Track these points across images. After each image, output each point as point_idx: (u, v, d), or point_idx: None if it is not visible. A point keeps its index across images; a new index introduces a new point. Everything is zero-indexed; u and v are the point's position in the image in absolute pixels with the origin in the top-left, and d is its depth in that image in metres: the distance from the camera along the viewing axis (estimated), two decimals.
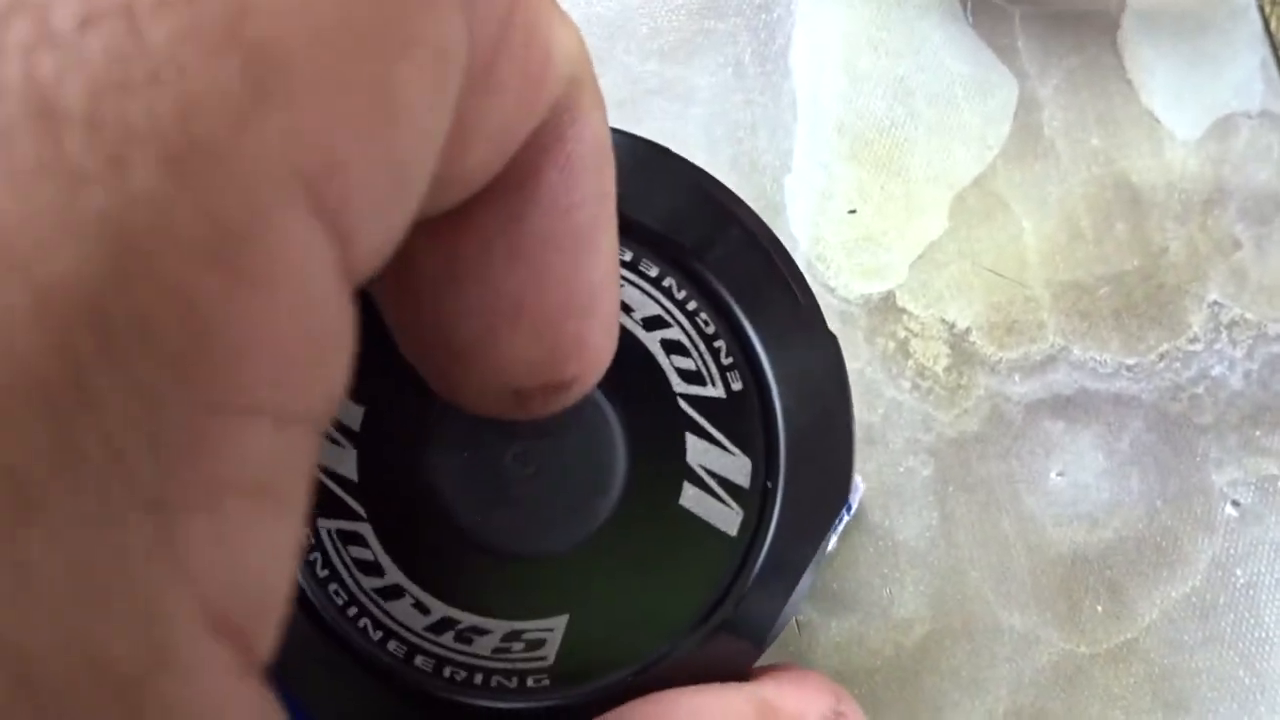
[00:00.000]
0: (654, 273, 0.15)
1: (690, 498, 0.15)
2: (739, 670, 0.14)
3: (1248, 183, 0.25)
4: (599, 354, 0.11)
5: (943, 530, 0.23)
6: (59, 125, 0.06)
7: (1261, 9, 0.27)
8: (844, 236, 0.24)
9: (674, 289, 0.15)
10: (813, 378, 0.15)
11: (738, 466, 0.15)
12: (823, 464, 0.15)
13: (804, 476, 0.15)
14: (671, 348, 0.15)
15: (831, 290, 0.24)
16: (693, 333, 0.15)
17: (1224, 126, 0.26)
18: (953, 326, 0.24)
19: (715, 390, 0.15)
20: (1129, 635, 0.22)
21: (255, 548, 0.07)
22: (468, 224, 0.10)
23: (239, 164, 0.06)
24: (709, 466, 0.15)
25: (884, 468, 0.23)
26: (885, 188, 0.25)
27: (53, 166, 0.06)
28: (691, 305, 0.15)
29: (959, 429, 0.23)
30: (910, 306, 0.24)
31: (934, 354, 0.24)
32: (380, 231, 0.07)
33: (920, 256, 0.25)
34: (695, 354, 0.15)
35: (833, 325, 0.23)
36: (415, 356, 0.11)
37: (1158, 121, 0.26)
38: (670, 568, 0.15)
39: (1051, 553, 0.23)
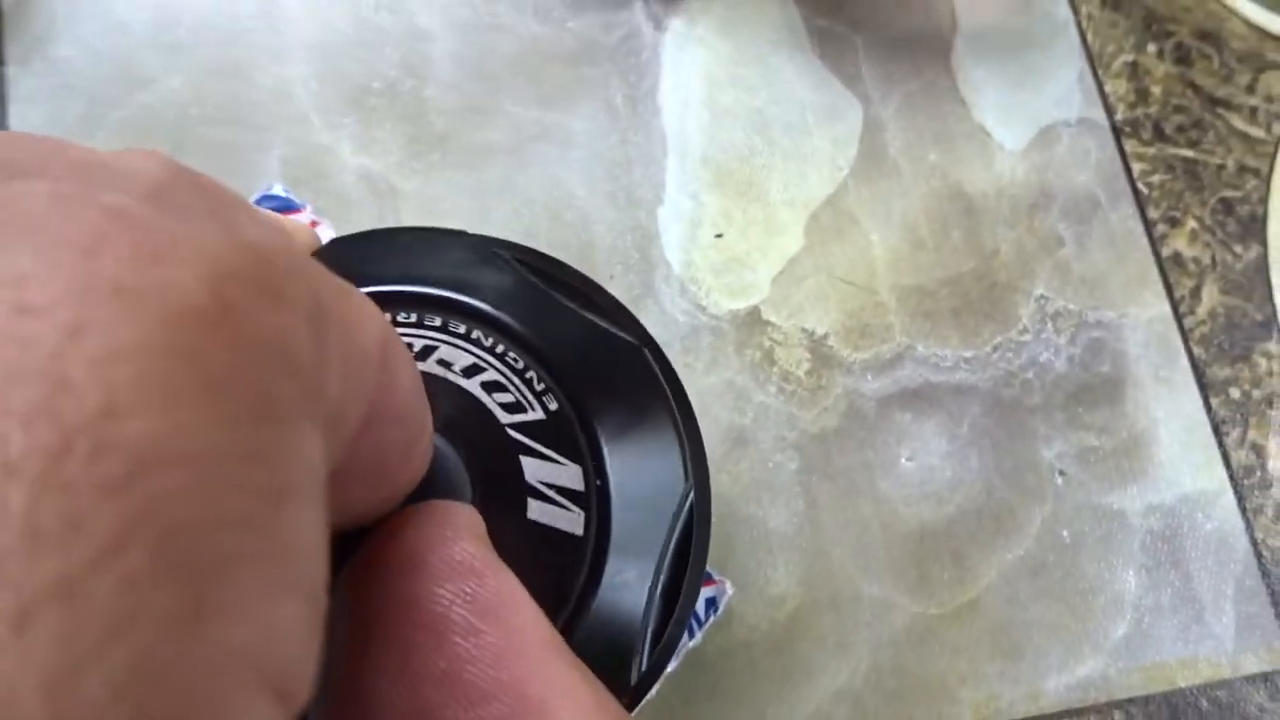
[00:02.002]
0: (462, 329, 0.17)
1: (535, 510, 0.16)
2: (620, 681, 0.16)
3: (1069, 185, 0.28)
4: (429, 440, 0.13)
5: (809, 516, 0.26)
6: None
7: (1079, 25, 0.30)
8: (712, 260, 0.27)
9: (481, 338, 0.17)
10: (621, 377, 0.17)
11: (569, 474, 0.17)
12: (649, 453, 0.17)
13: (630, 469, 0.17)
14: (491, 387, 0.17)
15: (703, 309, 0.27)
16: (505, 370, 0.17)
17: (1047, 135, 0.29)
18: (812, 334, 0.27)
19: (536, 414, 0.17)
20: (971, 595, 0.25)
21: None
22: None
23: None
24: (545, 480, 0.17)
25: (755, 464, 0.26)
26: (747, 212, 0.28)
27: None
28: (499, 348, 0.17)
29: (820, 425, 0.26)
30: (774, 318, 0.27)
31: (796, 360, 0.27)
32: (309, 671, 0.08)
33: (781, 272, 0.27)
34: (512, 388, 0.17)
35: (704, 340, 0.26)
36: None
37: (988, 135, 0.29)
38: (530, 574, 0.17)
39: (903, 529, 0.26)
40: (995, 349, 0.27)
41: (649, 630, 0.16)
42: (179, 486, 0.07)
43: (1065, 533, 0.26)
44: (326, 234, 0.25)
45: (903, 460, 0.26)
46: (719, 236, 0.27)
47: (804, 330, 0.27)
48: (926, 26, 0.29)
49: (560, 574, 0.16)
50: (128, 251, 0.07)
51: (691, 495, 0.17)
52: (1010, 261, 0.28)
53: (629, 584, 0.16)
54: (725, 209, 0.28)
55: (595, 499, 0.17)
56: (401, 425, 0.11)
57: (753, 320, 0.27)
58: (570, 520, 0.16)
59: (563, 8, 0.29)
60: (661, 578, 0.17)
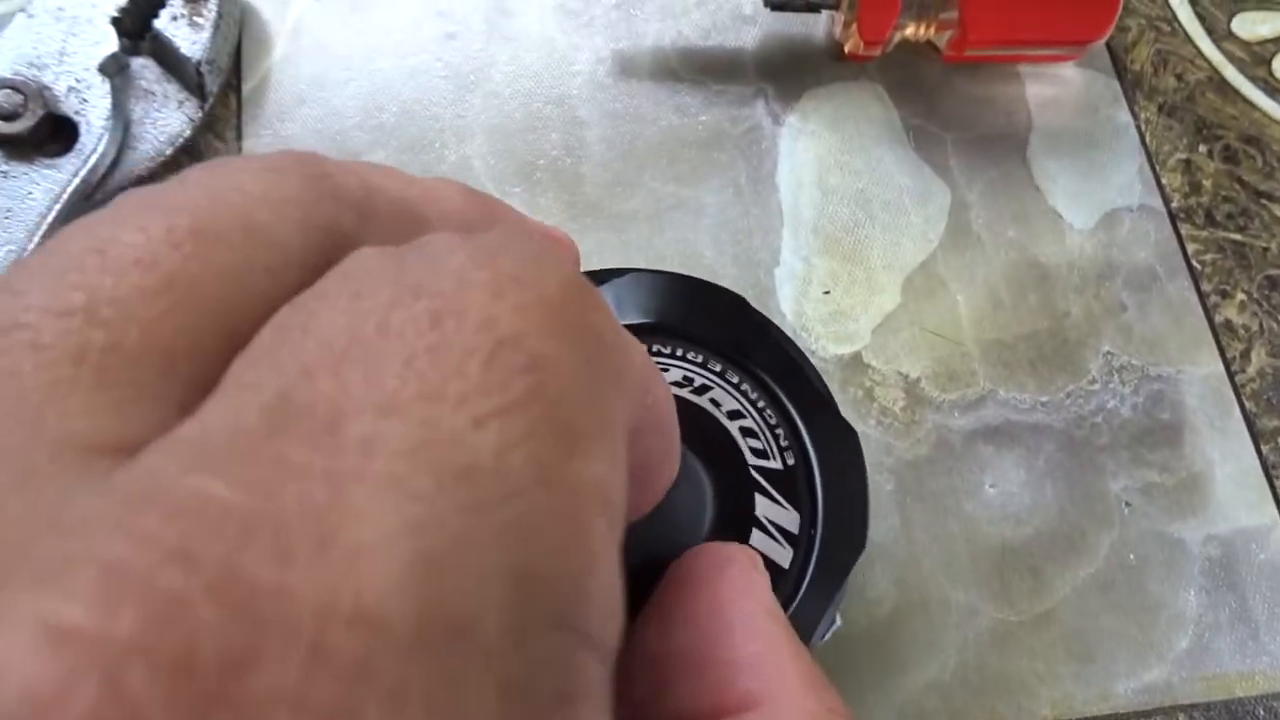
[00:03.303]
0: (735, 379, 0.21)
1: (756, 540, 0.20)
2: None
3: (1131, 260, 0.33)
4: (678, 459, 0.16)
5: (904, 531, 0.30)
6: None
7: (1138, 128, 0.35)
8: (821, 312, 0.32)
9: (749, 391, 0.21)
10: (840, 457, 0.21)
11: (790, 519, 0.20)
12: (847, 518, 0.21)
13: (833, 526, 0.21)
14: (746, 432, 0.21)
15: (813, 353, 0.31)
16: (760, 422, 0.21)
17: (1111, 218, 0.33)
18: (907, 377, 0.31)
19: (775, 464, 0.21)
20: (1048, 606, 0.29)
21: None
22: None
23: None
24: (770, 518, 0.20)
25: None
26: (851, 274, 0.32)
27: None
28: (761, 403, 0.21)
29: (914, 454, 0.30)
30: (874, 363, 0.31)
31: (893, 398, 0.31)
32: (622, 500, 0.10)
33: (880, 325, 0.32)
34: (762, 437, 0.21)
35: None
36: None
37: (1060, 216, 0.33)
38: None
39: (986, 545, 0.29)
40: (1068, 395, 0.31)
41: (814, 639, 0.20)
42: (561, 378, 0.09)
43: (1131, 556, 0.29)
44: None
45: (986, 486, 0.30)
46: (827, 293, 0.32)
47: (900, 373, 0.31)
48: (1006, 126, 0.35)
49: None
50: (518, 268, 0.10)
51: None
52: (1080, 322, 0.32)
53: (810, 614, 0.20)
54: (832, 270, 0.32)
55: (806, 543, 0.20)
56: (661, 435, 0.13)
57: (855, 364, 0.31)
58: (781, 554, 0.20)
59: (697, 104, 0.34)
60: (833, 614, 0.21)
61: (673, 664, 0.14)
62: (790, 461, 0.21)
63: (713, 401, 0.21)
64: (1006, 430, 0.31)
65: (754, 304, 0.32)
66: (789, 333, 0.31)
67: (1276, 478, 0.30)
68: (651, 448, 0.12)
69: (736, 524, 0.20)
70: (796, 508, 0.21)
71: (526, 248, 0.10)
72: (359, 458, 0.07)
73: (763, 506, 0.20)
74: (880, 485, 0.30)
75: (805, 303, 0.32)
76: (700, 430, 0.21)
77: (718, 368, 0.21)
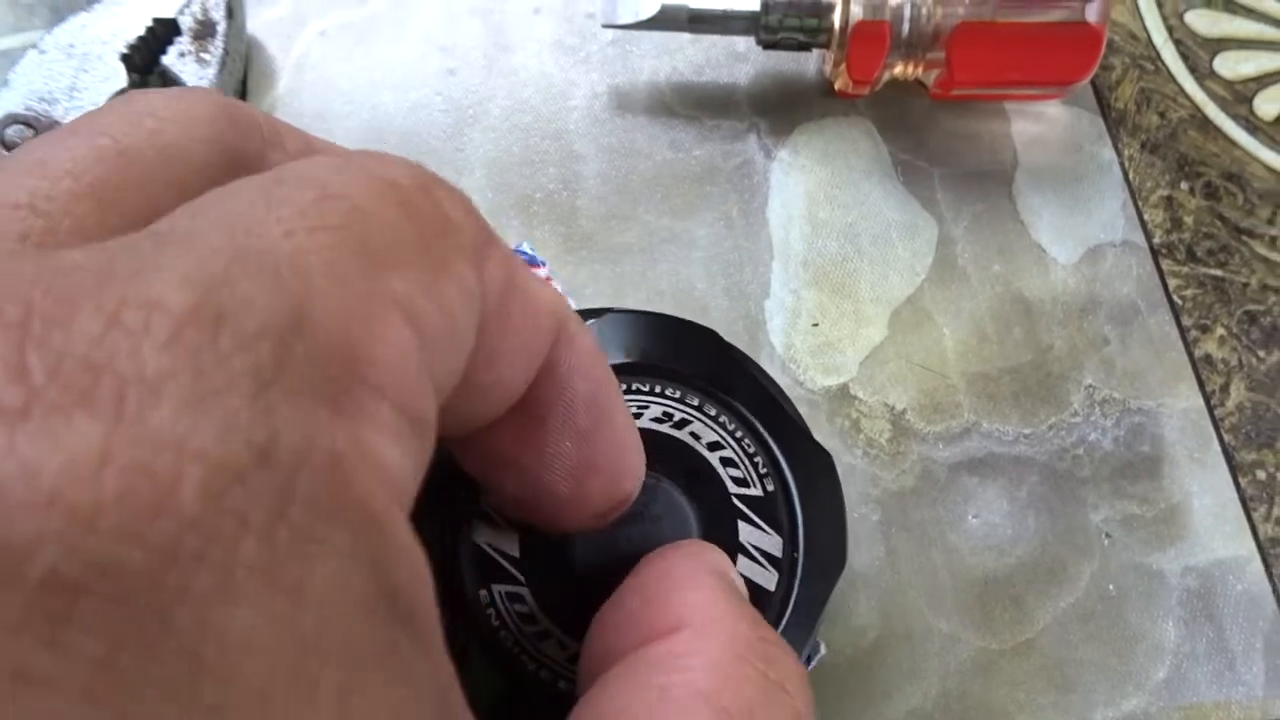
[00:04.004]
0: (713, 412, 0.22)
1: (742, 566, 0.21)
2: None
3: (1114, 295, 0.34)
4: (639, 469, 0.17)
5: (888, 560, 0.30)
6: None
7: (1121, 164, 0.35)
8: (809, 344, 0.33)
9: (726, 423, 0.22)
10: (817, 481, 0.22)
11: (773, 543, 0.21)
12: (826, 538, 0.22)
13: (815, 547, 0.21)
14: (726, 462, 0.22)
15: (801, 384, 0.32)
16: (739, 452, 0.22)
17: (1094, 253, 0.34)
18: (893, 409, 0.32)
19: (756, 490, 0.22)
20: (1028, 635, 0.30)
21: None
22: (540, 428, 0.15)
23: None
24: (754, 543, 0.21)
25: None
26: (840, 306, 0.33)
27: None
28: (739, 433, 0.22)
29: (899, 485, 0.31)
30: (860, 394, 0.32)
31: (879, 429, 0.32)
32: (447, 357, 0.12)
33: (867, 357, 0.33)
34: (741, 466, 0.22)
35: (802, 410, 0.31)
36: (523, 509, 0.17)
37: (1044, 251, 0.34)
38: None
39: (969, 576, 0.30)
40: (1050, 428, 0.32)
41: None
42: (377, 222, 0.11)
43: (1111, 586, 0.30)
44: (558, 288, 0.31)
45: (969, 517, 0.31)
46: (815, 325, 0.33)
47: (886, 405, 0.32)
48: (992, 163, 0.35)
49: None
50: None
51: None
52: (1063, 356, 0.33)
53: (797, 633, 0.21)
54: (821, 303, 0.33)
55: (789, 565, 0.21)
56: (589, 410, 0.15)
57: (842, 395, 0.32)
58: (765, 578, 0.21)
59: (691, 139, 0.35)
60: (818, 632, 0.22)
61: (622, 623, 0.15)
62: (770, 488, 0.22)
63: (692, 435, 0.22)
64: (990, 462, 0.31)
65: (744, 336, 0.33)
66: (778, 364, 0.32)
67: (1254, 510, 0.31)
68: (569, 406, 0.15)
69: (722, 550, 0.21)
70: (778, 532, 0.21)
71: (395, 158, 0.13)
72: (184, 241, 0.10)
73: (745, 533, 0.21)
74: (866, 516, 0.31)
75: (794, 335, 0.33)
76: (682, 463, 0.22)
77: (695, 401, 0.22)
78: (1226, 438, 0.32)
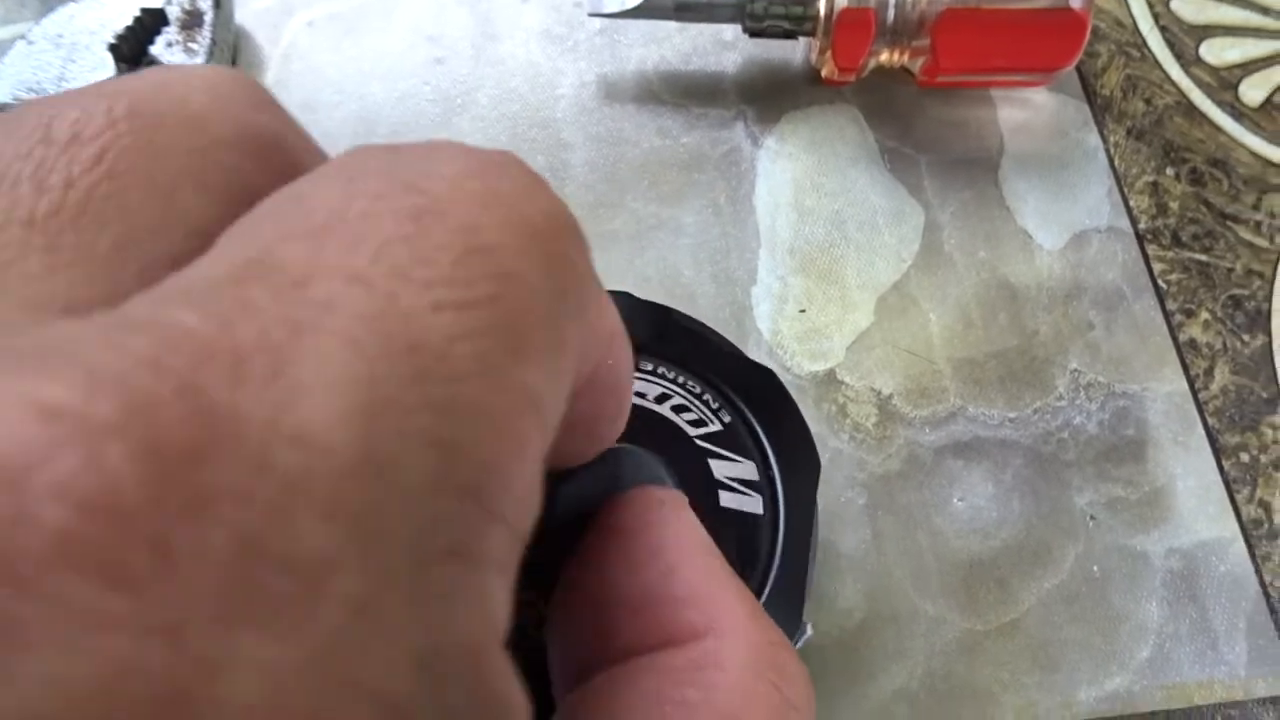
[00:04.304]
0: (649, 367, 0.23)
1: (725, 499, 0.22)
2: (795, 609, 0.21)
3: (1099, 280, 0.34)
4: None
5: (874, 543, 0.30)
6: None
7: (1107, 151, 0.35)
8: (796, 330, 0.33)
9: (666, 373, 0.23)
10: (768, 398, 0.23)
11: (747, 469, 0.22)
12: (795, 448, 0.22)
13: (787, 459, 0.22)
14: (678, 409, 0.22)
15: (788, 370, 0.32)
16: (687, 396, 0.23)
17: (1080, 239, 0.34)
18: (879, 393, 0.32)
19: (715, 426, 0.22)
20: (1013, 616, 0.30)
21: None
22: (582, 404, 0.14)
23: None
24: (729, 475, 0.22)
25: (829, 499, 0.31)
26: (826, 292, 0.33)
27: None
28: (680, 379, 0.23)
29: (885, 469, 0.31)
30: (847, 379, 0.32)
31: (865, 414, 0.32)
32: (555, 419, 0.10)
33: (854, 342, 0.33)
34: (694, 408, 0.22)
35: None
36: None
37: (1030, 237, 0.34)
38: (728, 548, 0.21)
39: (955, 558, 0.30)
40: (1035, 412, 0.32)
41: (805, 598, 0.22)
42: (523, 294, 0.10)
43: (1095, 568, 0.30)
44: None
45: (955, 500, 0.31)
46: (802, 312, 0.33)
47: (873, 390, 0.32)
48: (979, 149, 0.35)
49: (750, 544, 0.22)
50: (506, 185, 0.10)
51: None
52: (1048, 340, 0.33)
53: (796, 546, 0.22)
54: (808, 289, 0.33)
55: (767, 484, 0.22)
56: (613, 395, 0.14)
57: (829, 380, 0.32)
58: (750, 504, 0.22)
59: (678, 127, 0.35)
60: (815, 545, 0.22)
61: (618, 606, 0.14)
62: (727, 419, 0.22)
63: (638, 394, 0.22)
64: (976, 446, 0.32)
65: (731, 322, 0.33)
66: (765, 350, 0.33)
67: (1237, 492, 0.31)
68: (603, 402, 0.13)
69: (701, 494, 0.22)
70: (748, 457, 0.22)
71: (524, 174, 0.11)
72: (319, 312, 0.08)
73: (719, 469, 0.22)
74: (852, 499, 0.31)
75: (781, 321, 0.33)
76: (640, 422, 0.22)
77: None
78: (1210, 421, 0.32)
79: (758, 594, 0.22)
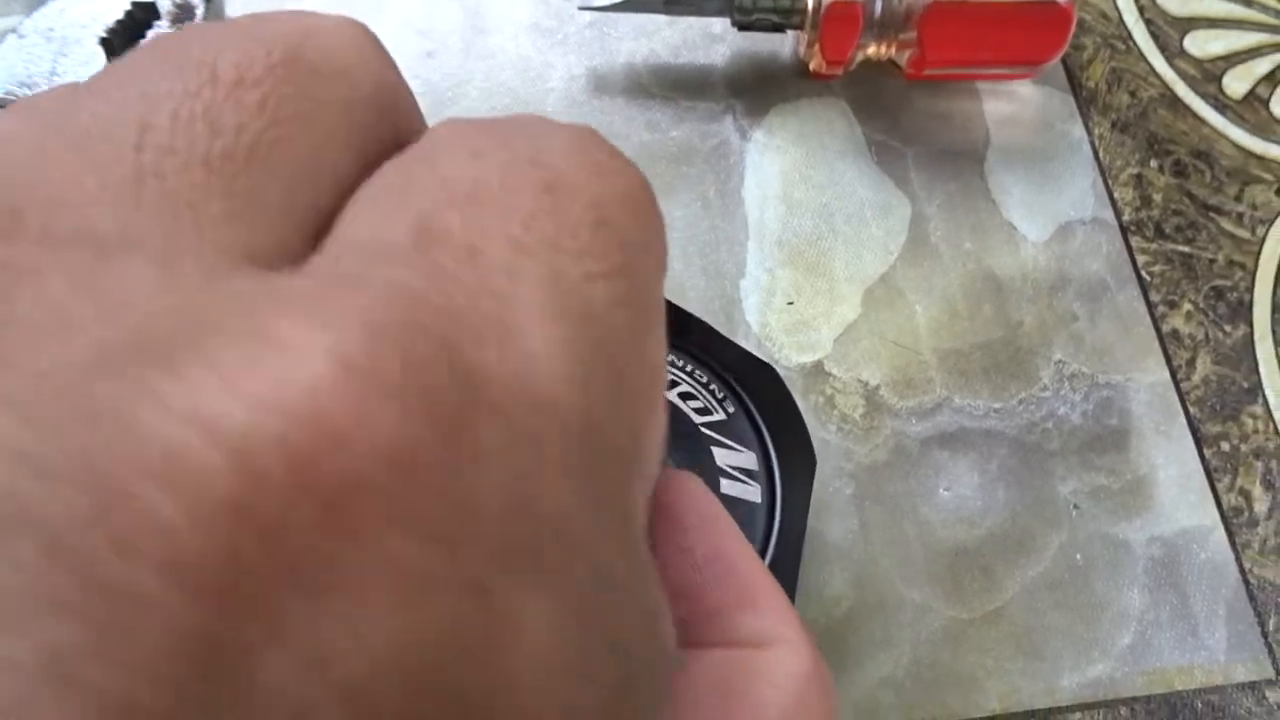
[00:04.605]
0: None
1: (726, 486, 0.22)
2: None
3: (1083, 272, 0.34)
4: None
5: (861, 533, 0.31)
6: None
7: (1092, 143, 0.36)
8: (785, 322, 0.33)
9: (675, 360, 0.23)
10: (770, 393, 0.23)
11: (747, 459, 0.23)
12: (793, 443, 0.23)
13: (785, 453, 0.23)
14: (685, 397, 0.23)
15: (776, 362, 0.33)
16: (694, 384, 0.23)
17: (1064, 231, 0.35)
18: (867, 384, 0.33)
19: (719, 415, 0.23)
20: (997, 604, 0.30)
21: None
22: None
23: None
24: (730, 464, 0.22)
25: (818, 489, 0.31)
26: (814, 285, 0.34)
27: None
28: (689, 368, 0.23)
29: (872, 459, 0.32)
30: (835, 371, 0.33)
31: (853, 405, 0.32)
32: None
33: (841, 334, 0.33)
34: (700, 397, 0.23)
35: None
36: None
37: (1015, 229, 0.35)
38: None
39: (940, 547, 0.31)
40: (1020, 402, 0.32)
41: (795, 588, 0.22)
42: (641, 262, 0.10)
43: (1079, 556, 0.31)
44: None
45: (941, 490, 0.31)
46: (790, 304, 0.33)
47: (860, 381, 0.33)
48: (965, 142, 0.36)
49: (746, 532, 0.22)
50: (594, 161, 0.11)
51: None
52: (1033, 331, 0.33)
53: (791, 534, 0.22)
54: (796, 282, 0.34)
55: (765, 475, 0.23)
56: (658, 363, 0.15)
57: (817, 372, 0.33)
58: (749, 492, 0.22)
59: (668, 121, 0.36)
60: (804, 545, 0.23)
61: (688, 599, 0.15)
62: (731, 409, 0.23)
63: None
64: (961, 436, 0.32)
65: (720, 315, 0.33)
66: (754, 342, 0.33)
67: (1218, 481, 0.32)
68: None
69: (704, 479, 0.22)
70: (749, 448, 0.23)
71: (612, 149, 0.11)
72: (506, 280, 0.08)
73: (721, 456, 0.22)
74: (840, 489, 0.31)
75: (769, 313, 0.33)
76: None
77: None
78: (1192, 410, 0.32)
79: None
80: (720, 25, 0.37)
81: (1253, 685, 0.29)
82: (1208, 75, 0.37)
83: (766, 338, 0.33)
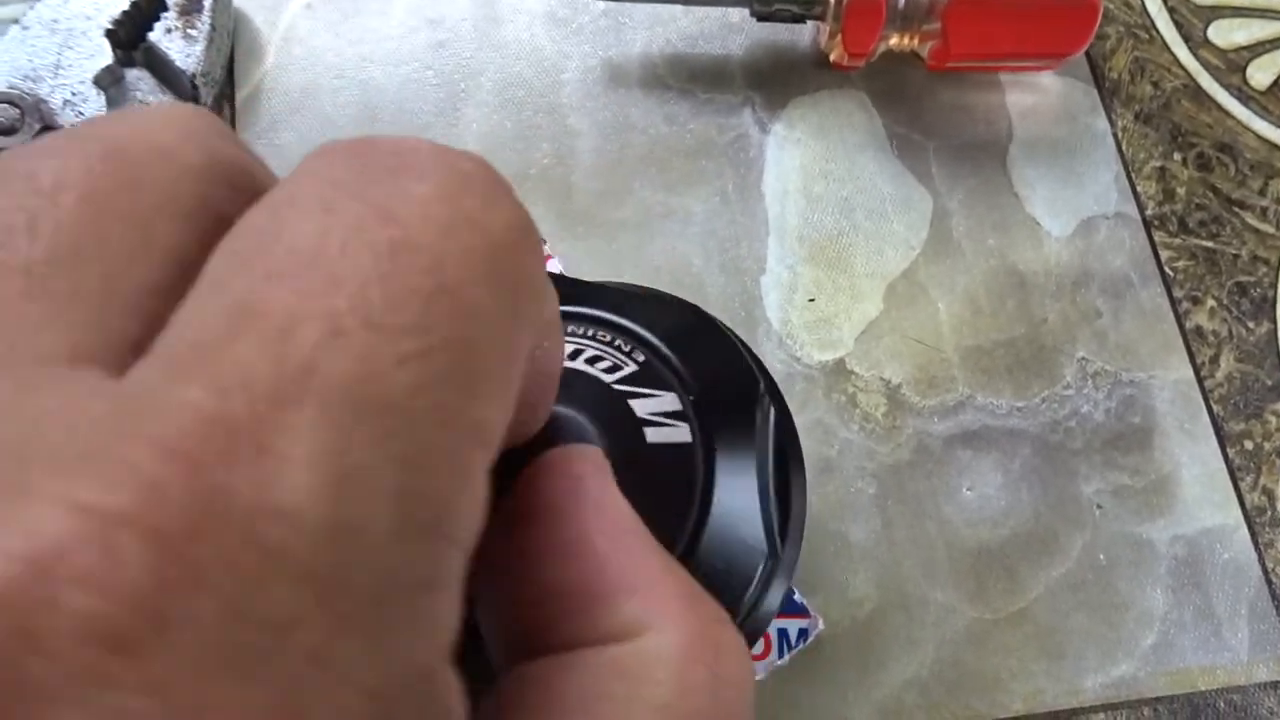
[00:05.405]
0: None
1: (651, 434, 0.20)
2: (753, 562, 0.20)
3: (1106, 267, 0.34)
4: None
5: (884, 533, 0.31)
6: None
7: (1115, 135, 0.35)
8: (806, 319, 0.33)
9: (575, 330, 0.22)
10: (678, 325, 0.22)
11: (668, 400, 0.21)
12: (723, 370, 0.21)
13: (713, 383, 0.21)
14: (591, 361, 0.21)
15: (798, 360, 0.32)
16: (598, 345, 0.22)
17: (1088, 226, 0.34)
18: (889, 383, 0.32)
19: (630, 368, 0.21)
20: (1021, 605, 0.30)
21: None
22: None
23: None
24: (652, 411, 0.21)
25: (840, 489, 0.31)
26: (835, 281, 0.33)
27: None
28: (589, 332, 0.22)
29: (895, 458, 0.32)
30: (857, 369, 0.32)
31: (875, 404, 0.32)
32: (503, 431, 0.11)
33: (863, 332, 0.33)
34: (607, 356, 0.21)
35: (797, 385, 0.31)
36: None
37: (1038, 224, 0.34)
38: (661, 484, 0.20)
39: (964, 547, 0.31)
40: (1043, 400, 0.32)
41: (772, 524, 0.20)
42: (482, 326, 0.10)
43: (1102, 556, 0.31)
44: (555, 266, 0.31)
45: (964, 490, 0.31)
46: (811, 301, 0.33)
47: (882, 379, 0.32)
48: (987, 135, 0.35)
49: (685, 478, 0.20)
50: (472, 202, 0.11)
51: (766, 393, 0.21)
52: (1056, 328, 0.33)
53: (739, 477, 0.20)
54: (817, 278, 0.33)
55: (695, 410, 0.21)
56: (547, 377, 0.15)
57: (839, 370, 0.32)
58: (679, 433, 0.20)
59: (686, 113, 0.35)
60: (771, 476, 0.21)
61: (551, 599, 0.14)
62: (641, 358, 0.22)
63: None
64: (984, 435, 0.32)
65: (740, 312, 0.33)
66: (775, 340, 0.33)
67: (1241, 480, 0.32)
68: (542, 386, 0.14)
69: (628, 435, 0.20)
70: (668, 389, 0.21)
71: (489, 185, 0.11)
72: (301, 376, 0.09)
73: (640, 407, 0.21)
74: (862, 489, 0.31)
75: (790, 310, 0.33)
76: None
77: None
78: (1216, 408, 0.32)
79: (699, 523, 0.20)
80: (738, 15, 0.36)
81: (1275, 685, 0.30)
82: (1231, 66, 0.37)
83: (788, 335, 0.33)
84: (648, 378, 0.21)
